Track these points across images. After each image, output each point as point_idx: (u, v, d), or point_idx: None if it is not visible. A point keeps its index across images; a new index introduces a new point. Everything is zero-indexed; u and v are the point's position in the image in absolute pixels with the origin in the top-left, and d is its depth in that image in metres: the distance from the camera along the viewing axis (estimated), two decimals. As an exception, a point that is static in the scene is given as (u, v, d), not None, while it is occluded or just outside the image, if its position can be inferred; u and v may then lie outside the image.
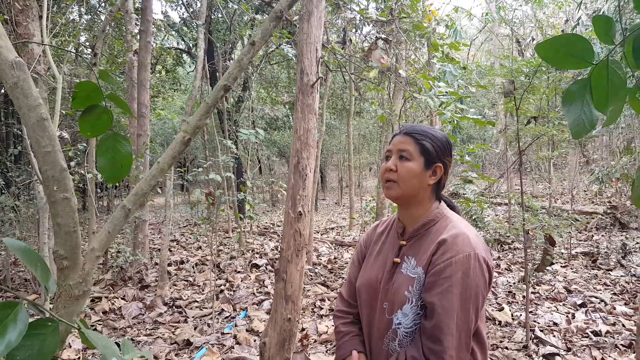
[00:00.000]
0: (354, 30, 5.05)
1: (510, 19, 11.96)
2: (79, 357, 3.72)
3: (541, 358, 3.32)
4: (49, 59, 3.40)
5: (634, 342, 3.40)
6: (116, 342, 4.02)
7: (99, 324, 4.51)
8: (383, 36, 4.05)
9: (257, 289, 5.55)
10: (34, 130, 0.93)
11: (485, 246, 1.29)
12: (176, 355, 3.77)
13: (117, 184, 8.64)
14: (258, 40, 1.10)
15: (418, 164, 1.33)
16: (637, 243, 6.62)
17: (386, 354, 1.33)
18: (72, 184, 0.98)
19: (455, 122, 4.16)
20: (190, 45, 13.45)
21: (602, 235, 7.50)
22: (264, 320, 4.44)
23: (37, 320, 0.81)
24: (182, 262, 7.09)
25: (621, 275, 5.30)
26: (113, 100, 1.04)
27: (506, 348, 3.55)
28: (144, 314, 4.82)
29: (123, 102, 1.05)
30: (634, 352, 3.29)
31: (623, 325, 3.84)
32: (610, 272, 5.51)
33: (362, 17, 4.57)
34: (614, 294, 4.73)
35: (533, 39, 11.86)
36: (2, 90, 11.75)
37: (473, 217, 5.91)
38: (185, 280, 6.08)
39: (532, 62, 3.35)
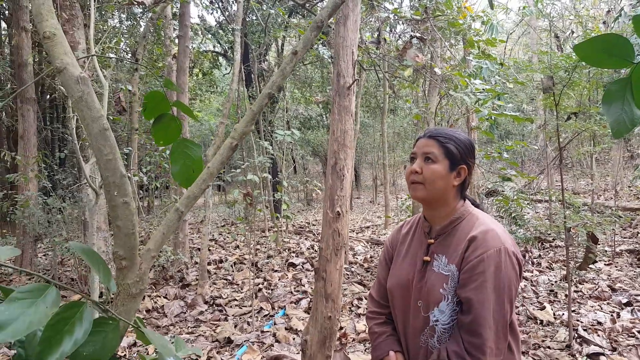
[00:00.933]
0: (388, 29, 5.05)
1: (548, 12, 11.59)
2: (125, 355, 3.86)
3: (585, 358, 3.25)
4: (95, 67, 3.56)
5: (685, 344, 3.28)
6: None
7: (143, 322, 4.69)
8: (418, 34, 4.04)
9: (294, 288, 5.63)
10: (97, 140, 1.00)
11: (513, 240, 1.34)
12: (218, 352, 3.88)
13: (158, 186, 8.91)
14: (300, 50, 1.15)
15: (443, 166, 1.37)
16: (688, 241, 6.32)
17: (425, 351, 1.36)
18: (131, 189, 1.05)
19: (493, 118, 4.10)
20: (226, 47, 13.72)
21: (649, 233, 7.20)
22: (302, 319, 4.51)
23: (100, 319, 0.88)
24: (220, 261, 7.27)
25: (670, 274, 5.09)
26: (178, 106, 1.11)
27: (549, 347, 3.48)
28: (185, 312, 4.98)
29: (187, 107, 1.12)
30: (685, 355, 3.17)
31: (673, 326, 3.70)
32: (658, 270, 5.30)
33: (396, 16, 4.57)
34: (663, 293, 4.55)
35: (572, 32, 11.47)
36: (48, 97, 12.35)
37: (513, 215, 5.80)
38: (224, 279, 6.23)
39: (572, 58, 3.27)
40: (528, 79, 4.88)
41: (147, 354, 3.84)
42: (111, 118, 6.20)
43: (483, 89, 3.87)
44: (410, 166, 1.43)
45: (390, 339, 1.47)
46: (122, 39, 10.16)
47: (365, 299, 5.06)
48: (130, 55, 10.14)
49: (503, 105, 4.31)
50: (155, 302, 5.20)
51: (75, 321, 0.80)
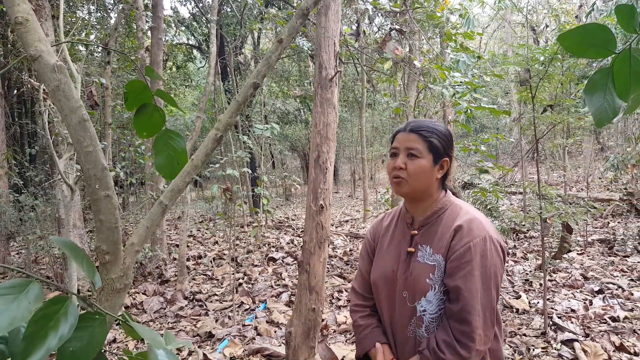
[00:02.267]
0: (366, 21, 5.05)
1: (523, 6, 11.80)
2: (105, 351, 3.80)
3: (560, 344, 3.34)
4: (66, 57, 3.45)
5: (654, 328, 3.40)
6: None
7: (131, 316, 4.61)
8: (397, 27, 4.05)
9: (274, 282, 5.63)
10: (76, 131, 0.96)
11: (495, 229, 1.36)
12: (199, 347, 3.85)
13: (133, 182, 8.74)
14: (285, 38, 1.13)
15: (427, 161, 1.36)
16: (655, 229, 6.55)
17: (413, 341, 1.37)
18: (112, 182, 1.01)
19: (470, 111, 4.15)
20: (200, 40, 13.51)
21: (618, 222, 7.44)
22: (283, 312, 4.51)
23: (86, 314, 0.85)
24: (199, 257, 7.20)
25: (638, 262, 5.27)
26: (161, 96, 1.08)
27: (524, 335, 3.57)
28: (165, 308, 4.92)
29: (170, 97, 1.08)
30: (654, 338, 3.30)
31: (642, 311, 3.84)
32: (627, 258, 5.48)
33: (375, 9, 4.57)
34: (632, 280, 4.71)
35: (547, 26, 11.69)
36: (15, 92, 11.94)
37: (488, 207, 5.90)
38: (204, 275, 6.18)
39: (549, 50, 3.33)
40: (503, 72, 4.95)
41: (128, 349, 3.78)
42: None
43: (461, 82, 3.91)
44: (392, 161, 1.40)
45: (376, 330, 1.47)
46: (92, 31, 9.89)
47: (346, 291, 5.08)
48: (101, 48, 9.87)
49: (480, 98, 4.38)
50: (134, 299, 5.12)
51: (60, 316, 0.78)
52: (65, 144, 4.49)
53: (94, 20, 10.13)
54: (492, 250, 1.29)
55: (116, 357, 0.97)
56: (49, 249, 5.46)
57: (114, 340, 4.02)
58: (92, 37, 10.33)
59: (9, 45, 9.12)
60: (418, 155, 1.36)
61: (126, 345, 3.91)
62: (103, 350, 0.92)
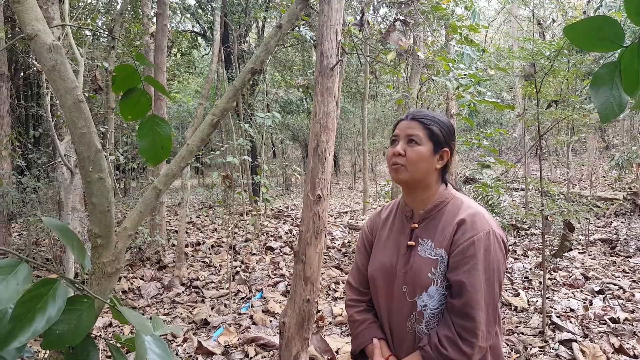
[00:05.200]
0: (371, 11, 4.99)
1: (529, 1, 11.67)
2: (100, 335, 3.80)
3: (558, 344, 3.33)
4: (70, 41, 3.42)
5: (651, 328, 3.39)
6: None
7: (120, 301, 4.62)
8: (401, 17, 4.00)
9: (272, 271, 5.63)
10: (71, 112, 0.95)
11: (497, 223, 1.35)
12: (194, 334, 3.86)
13: (134, 167, 8.74)
14: (285, 23, 1.11)
15: (427, 148, 1.35)
16: (657, 230, 6.53)
17: (412, 337, 1.35)
18: (107, 164, 1.00)
19: (473, 105, 4.11)
20: (205, 28, 13.43)
21: (622, 222, 7.40)
22: (279, 302, 4.52)
23: (74, 297, 0.84)
24: (198, 244, 7.21)
25: (640, 262, 5.25)
26: (149, 82, 1.06)
27: (522, 333, 3.56)
28: (162, 294, 4.94)
29: (159, 83, 1.07)
30: (651, 338, 3.28)
31: (642, 312, 3.82)
32: (629, 259, 5.44)
33: (380, -1, 4.52)
34: (633, 281, 4.67)
35: (554, 21, 11.58)
36: (22, 74, 11.92)
37: (489, 202, 5.89)
38: (201, 262, 6.19)
39: (556, 44, 3.29)
40: (508, 66, 4.91)
41: (123, 334, 3.79)
42: (87, 95, 6.02)
43: (465, 75, 3.87)
44: (392, 148, 1.39)
45: (373, 326, 1.45)
46: (99, 16, 9.82)
47: (343, 283, 5.08)
48: (106, 33, 9.81)
49: (484, 92, 4.34)
50: (132, 284, 5.14)
51: (49, 299, 0.77)
52: (66, 126, 4.47)
53: (101, 5, 10.05)
54: (496, 245, 1.27)
55: (106, 341, 0.96)
56: (49, 231, 5.47)
57: (110, 325, 4.03)
58: (98, 22, 10.26)
59: (17, 28, 9.07)
60: (418, 142, 1.34)
61: (122, 330, 3.93)
62: (94, 335, 0.91)
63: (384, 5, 4.97)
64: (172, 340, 3.70)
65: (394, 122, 1.49)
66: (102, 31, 9.42)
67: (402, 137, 1.37)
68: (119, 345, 0.97)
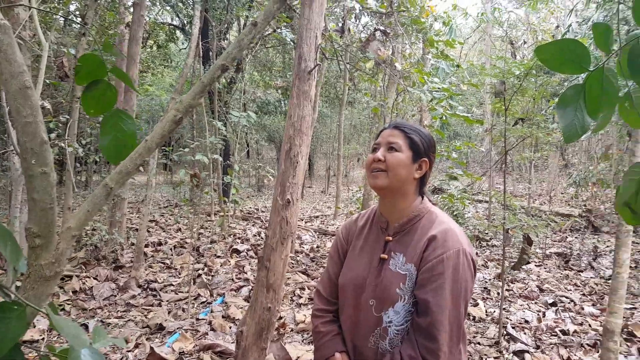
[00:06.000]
0: (353, 19, 5.03)
1: (504, 21, 12.03)
2: (43, 338, 3.56)
3: (511, 355, 3.42)
4: (35, 25, 3.29)
5: (598, 342, 3.52)
6: (84, 324, 3.86)
7: (68, 304, 4.36)
8: (382, 28, 4.05)
9: (236, 275, 5.49)
10: (16, 99, 0.89)
11: (469, 241, 1.34)
12: (147, 339, 3.68)
13: (97, 160, 8.46)
14: (260, 21, 1.10)
15: (406, 156, 1.36)
16: (608, 246, 6.82)
17: (374, 352, 1.32)
18: (52, 158, 0.93)
19: (445, 118, 4.20)
20: (185, 22, 13.23)
21: (576, 237, 7.70)
22: (241, 307, 4.40)
23: (2, 304, 0.77)
24: (159, 244, 6.98)
25: (591, 277, 5.47)
26: (116, 73, 1.01)
27: (478, 344, 3.64)
28: (116, 296, 4.70)
29: (126, 76, 1.02)
30: (597, 352, 3.41)
31: (590, 326, 3.97)
32: (581, 273, 5.68)
33: (362, 7, 4.56)
34: (583, 294, 4.87)
35: (525, 42, 11.96)
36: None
37: (454, 213, 6.01)
38: (162, 263, 5.98)
39: (525, 65, 3.39)
40: (480, 83, 5.03)
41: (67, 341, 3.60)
42: (48, 82, 5.77)
43: (439, 88, 3.95)
44: (372, 155, 1.39)
45: (336, 338, 1.42)
46: (72, 1, 9.53)
47: (309, 288, 5.06)
48: (79, 18, 9.53)
49: (455, 106, 4.43)
50: (84, 283, 4.87)
51: (-30, 306, 0.69)
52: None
53: (75, -12, 9.75)
54: (465, 264, 1.26)
55: (38, 353, 0.88)
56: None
57: (50, 330, 3.73)
58: (71, 7, 9.95)
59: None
60: (398, 149, 1.35)
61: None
62: (30, 341, 0.84)
63: (366, 14, 5.02)
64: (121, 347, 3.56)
65: (370, 130, 1.50)
66: (70, 17, 9.14)
67: (383, 144, 1.38)
68: (52, 356, 0.89)
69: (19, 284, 0.96)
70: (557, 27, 11.35)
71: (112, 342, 0.98)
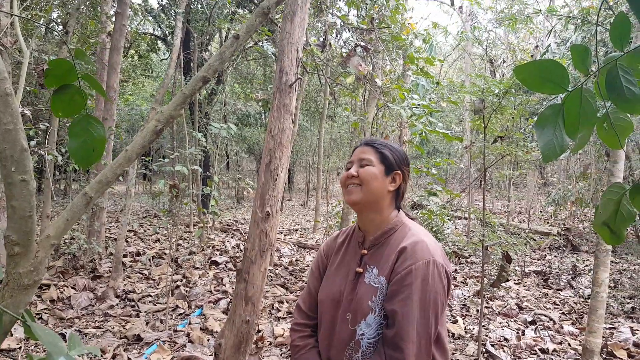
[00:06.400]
0: (334, 34, 5.07)
1: (483, 40, 12.30)
2: (20, 347, 3.53)
3: (490, 371, 3.41)
4: (17, 32, 3.23)
5: (577, 360, 3.54)
6: (62, 334, 3.84)
7: (46, 313, 4.30)
8: (362, 44, 4.09)
9: (214, 287, 5.45)
10: (-4, 106, 0.87)
11: (444, 253, 1.34)
12: (125, 350, 3.65)
13: (77, 169, 8.32)
14: (242, 34, 1.08)
15: (378, 169, 1.39)
16: (587, 265, 6.91)
17: None
18: (32, 166, 0.93)
19: (425, 134, 4.24)
20: (167, 32, 13.18)
21: (555, 256, 7.79)
22: (220, 320, 4.36)
23: (-21, 312, 0.75)
24: (138, 254, 6.89)
25: (570, 296, 5.51)
26: (87, 80, 1.00)
27: (457, 360, 3.62)
28: (94, 305, 4.65)
29: (97, 83, 1.00)
30: (576, 370, 3.43)
31: (569, 345, 3.98)
32: (560, 291, 5.72)
33: (343, 23, 4.60)
34: (563, 313, 4.91)
35: (504, 61, 12.24)
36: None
37: (434, 229, 6.03)
38: (140, 273, 5.91)
39: (505, 83, 3.46)
40: (459, 100, 5.10)
41: (44, 350, 3.53)
42: (28, 89, 5.69)
43: (419, 104, 3.98)
44: (346, 172, 1.43)
45: (312, 352, 1.43)
46: (53, 9, 9.41)
47: (287, 302, 5.00)
48: (61, 27, 9.41)
49: (435, 123, 4.48)
50: (62, 292, 4.81)
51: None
52: None
53: (57, -3, 9.63)
54: (435, 275, 1.24)
55: None
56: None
57: (28, 339, 3.72)
58: (53, 15, 9.82)
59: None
60: (369, 164, 1.39)
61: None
62: (13, 347, 0.83)
63: (347, 29, 5.06)
64: (101, 356, 3.48)
65: (350, 144, 1.51)
66: (51, 25, 9.02)
67: (356, 161, 1.42)
68: None
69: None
70: (536, 47, 11.66)
71: (88, 350, 0.98)
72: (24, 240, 0.91)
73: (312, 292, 1.52)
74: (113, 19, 6.46)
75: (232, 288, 5.38)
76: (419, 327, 1.21)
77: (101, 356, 3.46)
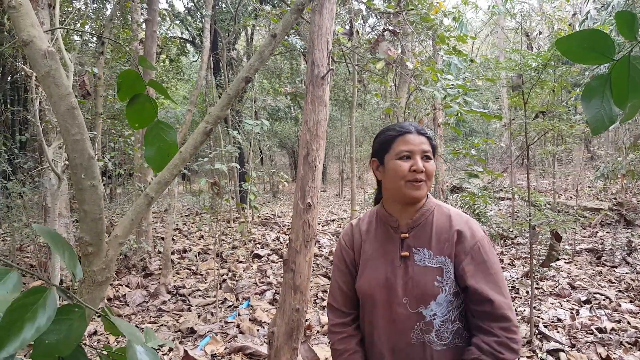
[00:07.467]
0: (360, 21, 5.03)
1: (516, 12, 11.88)
2: (85, 343, 3.75)
3: (545, 354, 3.33)
4: (60, 46, 3.38)
5: (639, 339, 3.41)
6: None
7: (111, 311, 4.55)
8: (390, 28, 4.04)
9: (259, 279, 5.59)
10: (64, 119, 0.94)
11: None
12: (180, 342, 3.81)
13: (122, 173, 8.65)
14: (279, 32, 1.11)
15: (435, 163, 1.42)
16: (642, 240, 6.59)
17: (421, 348, 1.32)
18: (99, 171, 0.99)
19: (461, 115, 4.15)
20: (194, 35, 13.42)
21: (607, 232, 7.48)
22: (266, 310, 4.48)
23: (65, 306, 0.82)
24: (184, 251, 7.14)
25: (626, 273, 5.25)
26: (154, 86, 1.04)
27: (509, 342, 3.57)
28: (147, 302, 4.87)
29: (163, 88, 1.05)
30: (639, 350, 3.31)
31: (628, 323, 3.81)
32: (615, 269, 5.47)
33: (369, 9, 4.56)
34: (619, 291, 4.69)
35: (540, 33, 11.79)
36: (9, 78, 11.76)
37: (476, 212, 5.93)
38: (188, 269, 6.13)
39: (543, 56, 3.34)
40: (496, 77, 4.97)
41: (109, 343, 3.73)
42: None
43: (453, 85, 3.91)
44: (407, 163, 1.35)
45: (354, 357, 1.41)
46: (88, 22, 9.77)
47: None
48: (95, 39, 9.75)
49: (471, 102, 4.38)
50: (117, 291, 5.07)
51: (38, 308, 0.75)
52: (55, 132, 4.43)
53: (90, 10, 9.99)
54: (491, 243, 1.38)
55: (95, 351, 0.93)
56: (34, 237, 5.39)
57: (95, 333, 3.96)
58: (87, 27, 10.19)
59: (5, 32, 8.97)
60: (430, 157, 1.39)
61: (107, 338, 3.86)
62: (82, 344, 0.90)
63: (373, 15, 5.02)
64: (158, 349, 3.64)
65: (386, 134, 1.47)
66: (92, 35, 9.35)
67: (418, 152, 1.36)
68: (107, 354, 0.95)
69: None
70: (574, 15, 11.14)
71: (161, 342, 1.05)
72: (96, 241, 0.97)
73: (343, 287, 1.48)
74: (143, 26, 6.64)
75: (276, 279, 5.50)
76: (505, 292, 1.31)
77: (158, 349, 3.62)
